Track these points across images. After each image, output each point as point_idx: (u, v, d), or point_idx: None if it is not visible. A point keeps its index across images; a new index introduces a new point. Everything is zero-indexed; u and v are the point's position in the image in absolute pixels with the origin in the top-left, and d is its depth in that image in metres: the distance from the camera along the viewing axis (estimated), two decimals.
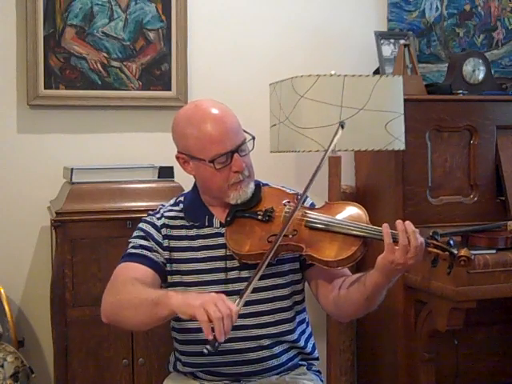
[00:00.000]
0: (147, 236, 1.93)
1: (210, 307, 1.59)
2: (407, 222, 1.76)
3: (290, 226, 1.82)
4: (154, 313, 1.71)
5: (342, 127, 1.97)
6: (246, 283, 1.88)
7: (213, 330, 1.59)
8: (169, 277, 1.94)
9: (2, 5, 2.92)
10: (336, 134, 1.96)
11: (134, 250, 1.92)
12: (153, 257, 1.90)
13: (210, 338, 1.59)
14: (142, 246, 1.92)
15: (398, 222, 1.76)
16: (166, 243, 1.93)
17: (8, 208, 2.95)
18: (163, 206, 2.02)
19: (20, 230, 2.96)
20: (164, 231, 1.94)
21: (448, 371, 2.93)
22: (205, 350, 1.61)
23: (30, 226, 2.96)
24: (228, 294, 1.87)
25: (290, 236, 1.83)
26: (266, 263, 1.76)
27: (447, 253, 1.74)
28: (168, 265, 1.93)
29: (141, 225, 1.98)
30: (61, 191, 2.81)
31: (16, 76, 2.95)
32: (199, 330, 1.81)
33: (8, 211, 2.95)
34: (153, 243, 1.92)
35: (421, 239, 1.74)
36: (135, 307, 1.74)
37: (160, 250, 1.92)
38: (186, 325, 1.89)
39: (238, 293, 1.88)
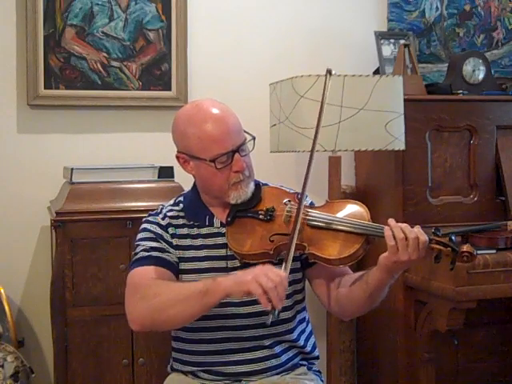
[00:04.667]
0: (157, 237, 1.91)
1: (262, 279, 1.65)
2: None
3: (291, 226, 1.82)
4: (204, 302, 1.73)
5: (330, 73, 1.96)
6: None
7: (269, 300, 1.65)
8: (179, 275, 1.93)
9: (2, 5, 2.92)
10: (326, 82, 1.95)
11: (146, 253, 1.88)
12: (167, 257, 1.89)
13: (269, 307, 1.65)
14: (153, 248, 1.89)
15: (390, 220, 1.79)
16: (175, 242, 1.92)
17: (8, 208, 2.95)
18: (163, 206, 2.01)
19: (20, 230, 2.96)
20: (171, 230, 1.93)
21: (448, 371, 2.94)
22: (268, 320, 1.67)
23: (30, 225, 2.96)
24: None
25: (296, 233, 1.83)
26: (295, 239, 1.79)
27: (449, 249, 1.75)
28: (179, 263, 1.92)
29: (146, 225, 1.95)
30: (61, 191, 2.81)
31: (16, 76, 2.95)
32: (204, 330, 1.84)
33: (8, 211, 2.95)
34: (164, 244, 1.91)
35: (424, 235, 1.75)
36: (182, 302, 1.74)
37: (172, 250, 1.91)
38: (195, 324, 1.88)
39: None
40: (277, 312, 1.66)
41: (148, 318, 1.79)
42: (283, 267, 1.73)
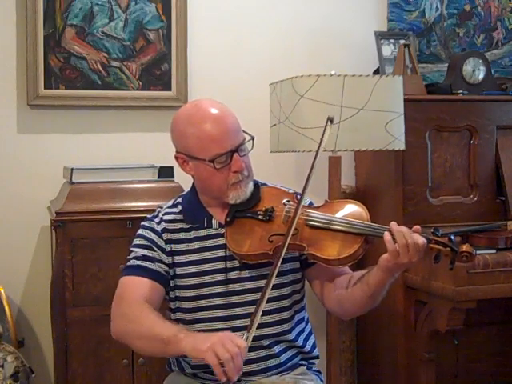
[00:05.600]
0: (150, 244, 1.92)
1: (218, 349, 1.60)
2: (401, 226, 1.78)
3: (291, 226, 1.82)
4: (165, 350, 1.74)
5: (331, 122, 1.97)
6: (246, 283, 1.90)
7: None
8: (171, 281, 1.93)
9: (2, 5, 2.92)
10: (325, 129, 1.95)
11: (137, 262, 1.90)
12: (156, 268, 1.90)
13: (223, 380, 1.60)
14: (144, 257, 1.90)
15: (392, 223, 1.79)
16: (168, 248, 1.93)
17: (8, 208, 2.95)
18: (161, 208, 2.01)
19: (20, 229, 2.96)
20: (165, 236, 1.94)
21: (448, 371, 2.94)
22: None
23: (30, 225, 2.96)
24: (228, 294, 1.89)
25: (291, 235, 1.83)
26: (272, 283, 1.75)
27: (448, 249, 1.75)
28: (171, 270, 1.93)
29: (142, 231, 1.96)
30: (61, 191, 2.81)
31: (16, 76, 2.95)
32: (204, 331, 1.82)
33: (8, 211, 2.95)
34: (156, 252, 1.91)
35: (422, 239, 1.74)
36: (147, 340, 1.76)
37: (164, 257, 1.92)
38: (195, 327, 1.89)
39: (239, 293, 1.89)
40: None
41: (121, 337, 1.85)
42: (245, 336, 1.68)
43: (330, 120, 1.97)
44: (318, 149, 1.92)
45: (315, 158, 1.90)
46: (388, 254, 1.74)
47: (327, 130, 1.95)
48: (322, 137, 1.94)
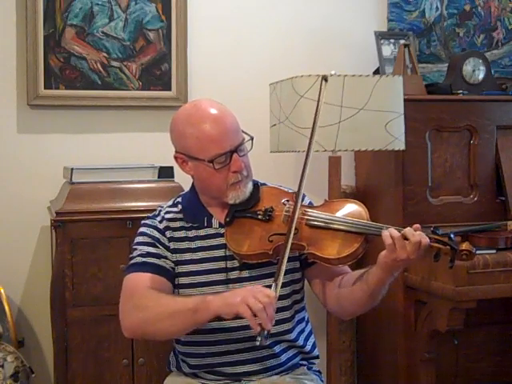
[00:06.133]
0: (154, 242, 1.92)
1: (250, 301, 1.64)
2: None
3: (290, 226, 1.82)
4: (193, 320, 1.74)
5: (326, 80, 1.96)
6: (246, 283, 1.90)
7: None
8: (175, 279, 1.93)
9: (2, 5, 2.92)
10: (321, 89, 1.95)
11: (142, 259, 1.89)
12: (162, 264, 1.89)
13: (258, 329, 1.64)
14: (149, 254, 1.90)
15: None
16: (171, 246, 1.93)
17: (8, 208, 2.95)
18: (161, 207, 2.01)
19: (20, 230, 2.96)
20: (168, 234, 1.93)
21: (448, 371, 2.94)
22: (257, 343, 1.67)
23: (30, 225, 2.96)
24: None
25: (291, 235, 1.83)
26: (289, 248, 1.78)
27: (448, 247, 1.75)
28: (175, 267, 1.92)
29: (144, 229, 1.96)
30: (61, 191, 2.81)
31: (16, 76, 2.95)
32: (204, 331, 1.83)
33: (8, 211, 2.95)
34: (161, 249, 1.91)
35: (425, 238, 1.74)
36: (171, 318, 1.75)
37: (168, 254, 1.91)
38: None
39: None
40: (266, 333, 1.65)
41: (138, 329, 1.82)
42: (273, 287, 1.71)
43: (324, 79, 1.96)
44: (317, 111, 1.92)
45: (314, 122, 1.91)
46: (386, 249, 1.74)
47: (323, 90, 1.94)
48: (319, 97, 1.94)
